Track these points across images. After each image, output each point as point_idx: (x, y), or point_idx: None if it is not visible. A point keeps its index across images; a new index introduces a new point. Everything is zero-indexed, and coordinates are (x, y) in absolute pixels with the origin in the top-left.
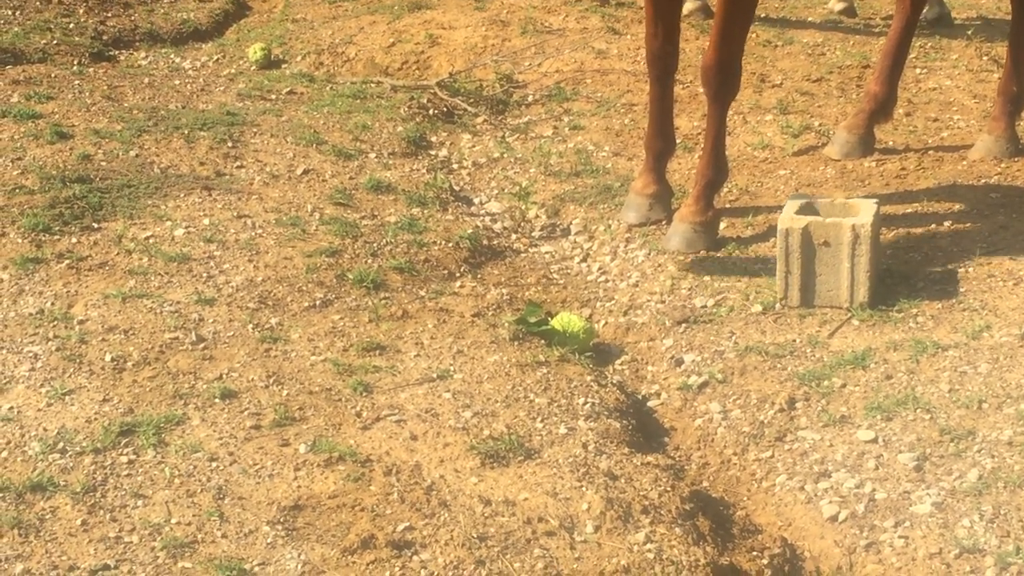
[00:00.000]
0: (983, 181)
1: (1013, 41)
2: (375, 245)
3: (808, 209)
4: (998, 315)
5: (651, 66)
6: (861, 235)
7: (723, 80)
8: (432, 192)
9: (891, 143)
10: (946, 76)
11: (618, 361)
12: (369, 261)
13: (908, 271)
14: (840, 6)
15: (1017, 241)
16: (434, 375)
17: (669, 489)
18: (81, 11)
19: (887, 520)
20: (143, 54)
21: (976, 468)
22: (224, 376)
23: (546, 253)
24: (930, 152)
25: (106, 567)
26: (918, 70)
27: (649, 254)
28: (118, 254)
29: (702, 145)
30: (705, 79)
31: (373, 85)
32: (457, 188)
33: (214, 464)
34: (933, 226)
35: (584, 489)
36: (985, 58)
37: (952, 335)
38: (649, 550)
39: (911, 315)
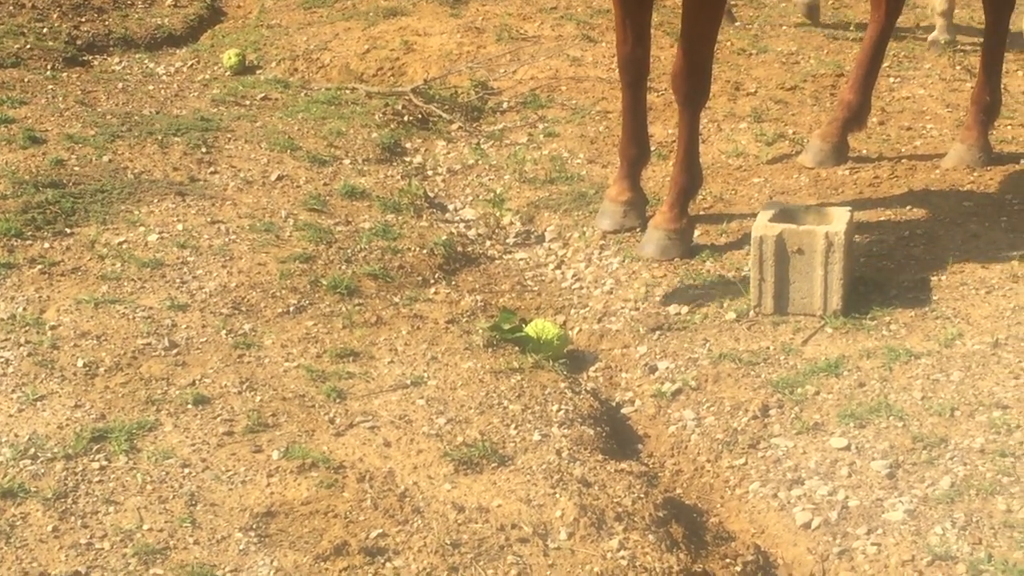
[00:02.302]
0: (956, 190)
1: (986, 51)
2: (349, 251)
3: (782, 217)
4: (970, 323)
5: (623, 72)
6: (835, 243)
7: (694, 86)
8: (407, 199)
9: (865, 151)
10: (920, 85)
11: (592, 368)
12: (343, 267)
13: (881, 279)
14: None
15: (990, 250)
16: (408, 382)
17: (643, 496)
18: (55, 16)
19: (860, 527)
20: (117, 59)
21: (948, 476)
22: (197, 382)
23: (520, 260)
24: (903, 161)
25: (77, 573)
26: (892, 79)
27: (623, 261)
28: (91, 259)
29: (676, 152)
30: (675, 85)
31: (348, 91)
32: (432, 195)
33: (186, 470)
34: (906, 234)
35: (558, 496)
36: (958, 67)
37: (925, 343)
38: (623, 557)
39: (884, 323)
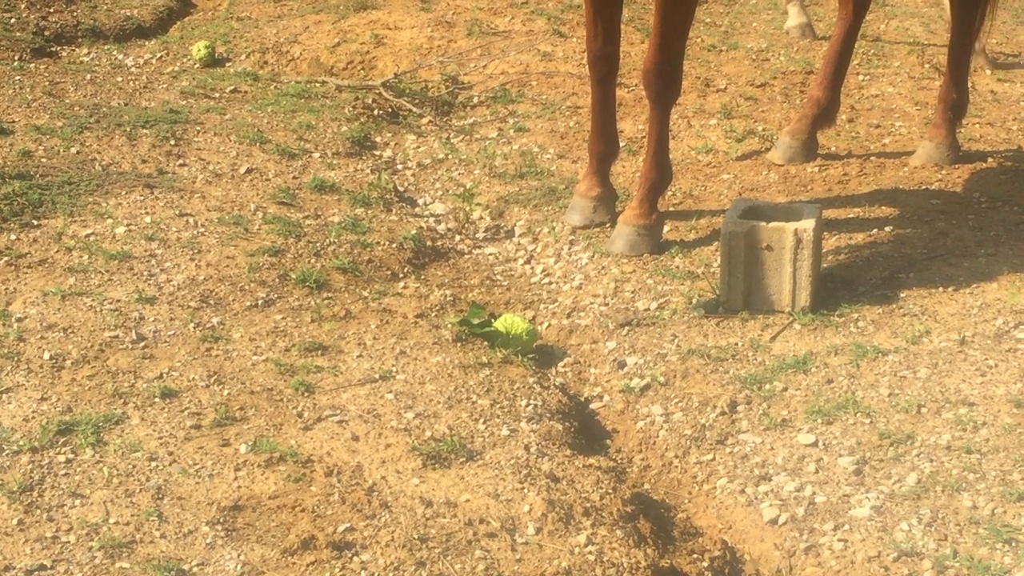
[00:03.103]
0: (924, 187)
1: (953, 49)
2: (318, 245)
3: (751, 213)
4: (937, 320)
5: (593, 68)
6: (803, 240)
7: (664, 83)
8: (376, 192)
9: (834, 149)
10: (888, 83)
11: (561, 363)
12: (312, 261)
13: (849, 276)
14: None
15: (957, 247)
16: (376, 376)
17: (611, 491)
18: (23, 6)
19: (827, 523)
20: (85, 50)
21: (915, 472)
22: (164, 375)
23: (490, 255)
24: (872, 158)
25: (42, 567)
26: (861, 76)
27: (593, 256)
28: (58, 251)
29: (646, 148)
30: (646, 82)
31: (318, 84)
32: (401, 189)
33: (153, 464)
34: (875, 231)
35: (526, 491)
36: (927, 65)
37: (892, 340)
38: (590, 552)
39: (852, 319)
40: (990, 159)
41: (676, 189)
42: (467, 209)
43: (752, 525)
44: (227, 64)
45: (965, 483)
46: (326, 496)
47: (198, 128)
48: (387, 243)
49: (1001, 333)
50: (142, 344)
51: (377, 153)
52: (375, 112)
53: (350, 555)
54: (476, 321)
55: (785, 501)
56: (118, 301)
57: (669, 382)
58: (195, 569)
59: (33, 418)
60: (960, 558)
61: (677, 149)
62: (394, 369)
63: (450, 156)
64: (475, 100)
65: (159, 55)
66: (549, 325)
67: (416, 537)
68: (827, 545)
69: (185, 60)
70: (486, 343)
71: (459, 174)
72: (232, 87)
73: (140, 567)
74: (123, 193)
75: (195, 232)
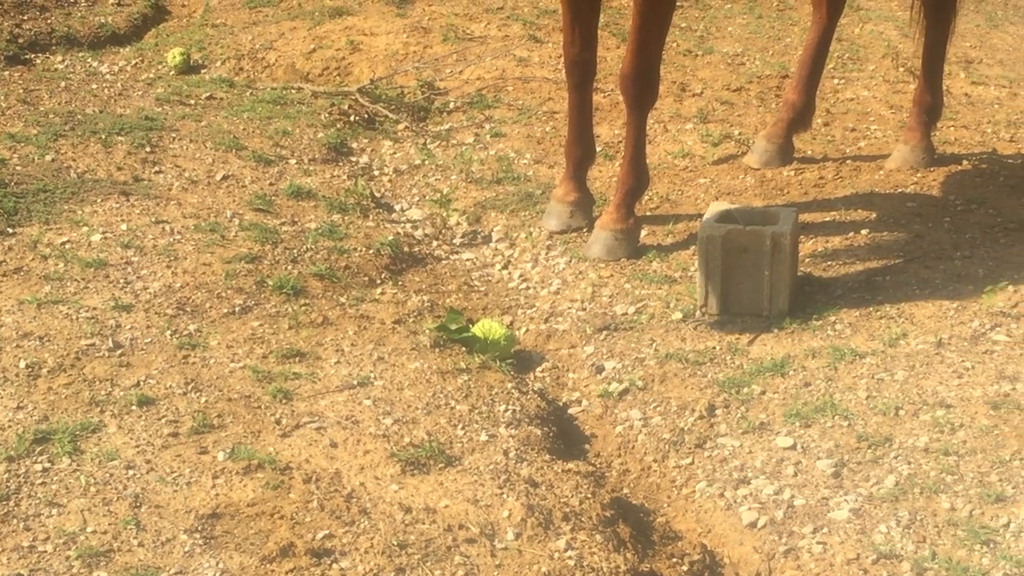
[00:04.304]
0: (900, 190)
1: (927, 52)
2: (295, 251)
3: (728, 217)
4: (914, 323)
5: (569, 73)
6: (780, 243)
7: (642, 88)
8: (353, 199)
9: (809, 152)
10: (863, 87)
11: (539, 368)
12: (289, 267)
13: (826, 279)
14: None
15: (933, 250)
16: (354, 382)
17: (590, 496)
18: None
19: (806, 526)
20: (60, 58)
21: (893, 474)
22: (141, 383)
23: (467, 260)
24: (848, 161)
25: None
26: (836, 80)
27: (570, 261)
28: (33, 259)
29: (623, 153)
30: (624, 87)
31: (294, 91)
32: (378, 195)
33: (131, 472)
34: (851, 235)
35: (505, 496)
36: (901, 69)
37: (869, 343)
38: (570, 557)
39: (829, 323)
40: (965, 162)
41: (653, 193)
42: (444, 215)
43: (731, 529)
44: (202, 71)
45: (943, 485)
46: (305, 503)
47: (174, 135)
48: (364, 249)
49: (977, 335)
50: (119, 352)
51: (354, 159)
52: (351, 118)
53: (329, 562)
54: (454, 327)
55: (764, 504)
56: (94, 309)
57: (647, 386)
58: None
59: (9, 427)
60: (939, 560)
61: (654, 154)
62: (372, 375)
63: (427, 162)
64: (451, 106)
65: (134, 62)
66: (527, 330)
67: (395, 543)
68: (806, 548)
69: (160, 67)
70: (464, 349)
71: (436, 180)
72: (208, 94)
73: None
74: (99, 200)
75: (171, 239)
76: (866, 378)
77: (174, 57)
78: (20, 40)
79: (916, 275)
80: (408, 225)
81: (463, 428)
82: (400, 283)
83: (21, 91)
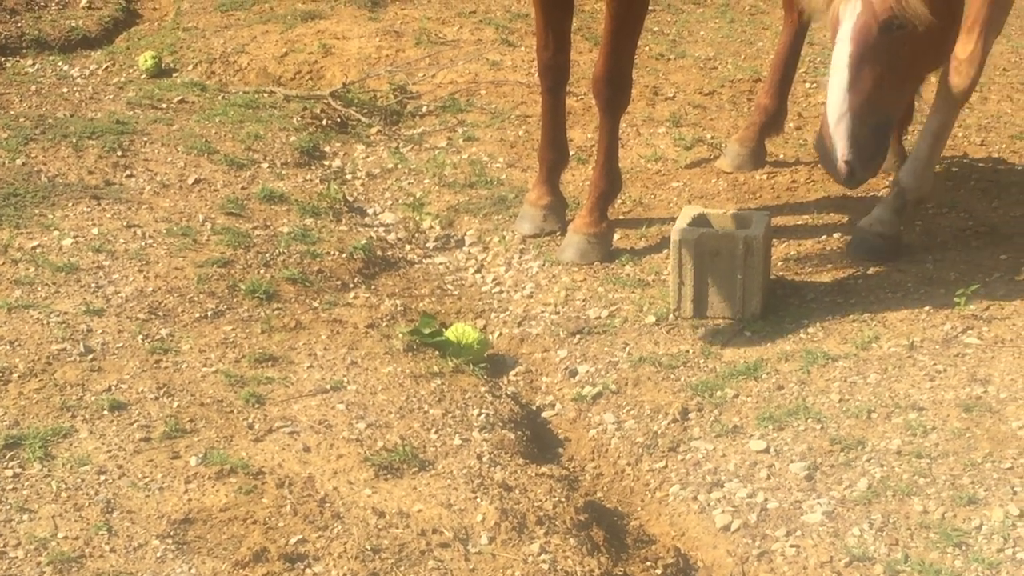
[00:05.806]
0: (872, 194)
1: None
2: (268, 255)
3: (700, 221)
4: (886, 326)
5: (543, 77)
6: (752, 247)
7: (614, 91)
8: (325, 202)
9: (782, 156)
10: None
11: (512, 372)
12: (261, 272)
13: (799, 283)
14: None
15: (905, 253)
16: (327, 386)
17: (564, 500)
18: None
19: (779, 529)
20: (30, 61)
21: (865, 477)
22: (113, 388)
23: (440, 264)
24: (819, 165)
25: None
26: (808, 84)
27: (543, 265)
28: (3, 264)
29: (596, 157)
30: (596, 91)
31: (266, 95)
32: (351, 199)
33: (102, 477)
34: (823, 238)
35: (479, 500)
36: None
37: (842, 346)
38: (544, 561)
39: (802, 326)
40: (936, 166)
41: (626, 197)
42: (417, 219)
43: (705, 532)
44: (174, 74)
45: (915, 487)
46: (278, 508)
47: (145, 139)
48: (337, 253)
49: (949, 338)
50: (90, 357)
51: (326, 163)
52: (324, 122)
53: (302, 567)
54: (427, 331)
55: (737, 508)
56: (65, 313)
57: (621, 390)
58: None
59: None
60: (911, 562)
61: (626, 157)
62: (345, 379)
63: (399, 166)
64: (424, 110)
65: (105, 66)
66: (500, 334)
67: (369, 548)
68: (779, 551)
69: (131, 71)
70: (437, 353)
71: (409, 183)
72: (179, 97)
73: None
74: (70, 205)
75: (143, 243)
76: (839, 381)
77: (145, 61)
78: None
79: (888, 278)
80: (381, 229)
81: (436, 432)
82: (373, 287)
83: None
